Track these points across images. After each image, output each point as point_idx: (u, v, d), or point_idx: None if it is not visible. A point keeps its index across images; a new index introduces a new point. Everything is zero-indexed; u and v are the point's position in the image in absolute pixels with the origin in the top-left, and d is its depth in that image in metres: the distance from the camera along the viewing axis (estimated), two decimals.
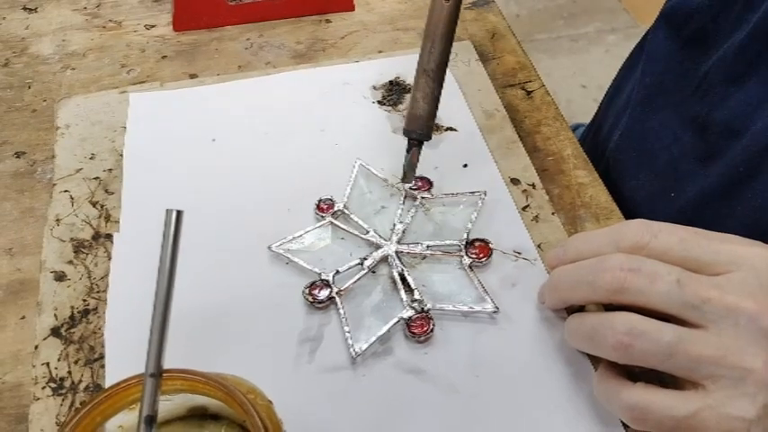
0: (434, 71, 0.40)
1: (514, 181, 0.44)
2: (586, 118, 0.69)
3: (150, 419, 0.26)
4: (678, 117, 0.47)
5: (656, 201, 0.47)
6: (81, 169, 0.45)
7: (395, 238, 0.41)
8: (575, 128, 0.67)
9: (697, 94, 0.45)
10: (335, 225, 0.42)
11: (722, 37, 0.44)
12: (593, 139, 0.60)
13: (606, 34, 1.82)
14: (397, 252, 0.40)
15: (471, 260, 0.40)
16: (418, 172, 0.44)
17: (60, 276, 0.39)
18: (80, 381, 0.35)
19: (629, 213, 0.42)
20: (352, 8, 0.57)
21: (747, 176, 0.41)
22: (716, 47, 0.44)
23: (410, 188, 0.43)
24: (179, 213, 0.26)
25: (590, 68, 1.71)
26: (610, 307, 0.33)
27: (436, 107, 0.41)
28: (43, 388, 0.35)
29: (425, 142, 0.41)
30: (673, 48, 0.48)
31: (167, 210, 0.26)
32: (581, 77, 1.69)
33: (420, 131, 0.41)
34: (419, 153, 0.41)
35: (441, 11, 0.39)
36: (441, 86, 0.40)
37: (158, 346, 0.26)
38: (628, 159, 0.51)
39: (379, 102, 0.49)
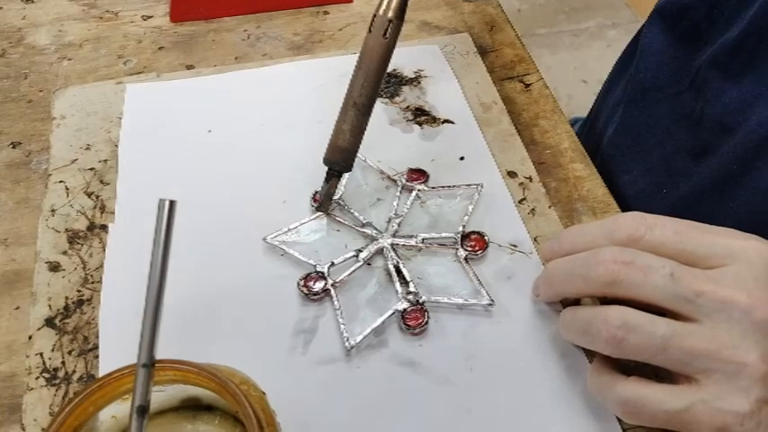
0: (365, 105, 0.38)
1: (511, 174, 0.44)
2: (587, 113, 0.69)
3: (142, 410, 0.26)
4: (672, 113, 0.46)
5: (649, 196, 0.47)
6: (76, 160, 0.45)
7: (390, 231, 0.41)
8: (573, 122, 0.67)
9: (691, 90, 0.45)
10: (331, 217, 0.42)
11: (716, 33, 0.43)
12: (588, 134, 0.60)
13: (607, 29, 1.81)
14: (392, 244, 0.40)
15: (467, 253, 0.40)
16: (414, 163, 0.44)
17: (55, 267, 0.39)
18: (74, 371, 0.35)
19: (621, 208, 0.42)
20: (350, 0, 0.57)
21: (740, 173, 0.41)
22: (710, 43, 0.44)
23: (406, 180, 0.43)
24: (172, 203, 0.26)
25: (591, 64, 1.70)
26: (605, 300, 0.33)
27: (361, 139, 0.39)
28: (37, 378, 0.35)
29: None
30: (667, 43, 0.48)
31: (160, 199, 0.26)
32: (582, 72, 1.68)
33: (343, 164, 0.39)
34: (337, 184, 0.40)
35: (377, 46, 0.37)
36: (368, 119, 0.39)
37: (151, 336, 0.26)
38: (621, 154, 0.50)
39: None
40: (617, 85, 0.56)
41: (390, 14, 0.37)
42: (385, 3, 0.37)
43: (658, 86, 0.48)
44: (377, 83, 0.38)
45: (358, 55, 0.38)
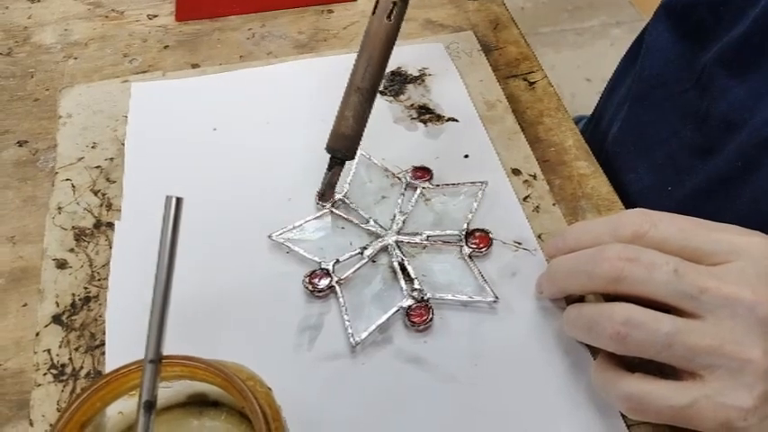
0: (368, 90, 0.37)
1: (515, 171, 0.44)
2: (590, 112, 0.69)
3: (149, 405, 0.26)
4: (677, 110, 0.46)
5: (654, 194, 0.47)
6: (83, 158, 0.45)
7: (395, 228, 0.41)
8: (577, 120, 0.67)
9: (696, 88, 0.45)
10: (336, 214, 0.42)
11: (722, 30, 0.43)
12: (593, 132, 0.60)
13: (611, 28, 1.81)
14: (397, 242, 0.40)
15: (471, 250, 0.40)
16: (419, 161, 0.44)
17: (62, 264, 0.40)
18: (81, 367, 0.36)
19: (626, 206, 0.42)
20: None
21: (745, 171, 0.41)
22: (716, 40, 0.44)
23: (411, 178, 0.43)
24: (179, 200, 0.26)
25: (595, 62, 1.70)
26: (609, 297, 0.33)
27: (364, 126, 0.38)
28: (44, 374, 0.35)
29: (349, 160, 0.39)
30: (672, 40, 0.48)
31: (167, 196, 0.26)
32: (586, 71, 1.68)
33: (345, 151, 0.38)
34: (340, 172, 0.38)
35: (381, 29, 0.37)
36: (371, 105, 0.38)
37: (158, 332, 0.26)
38: (626, 152, 0.50)
39: (380, 92, 0.49)
40: (621, 83, 0.56)
41: None
42: None
43: (663, 84, 0.48)
44: (380, 67, 0.37)
45: (361, 39, 0.37)
